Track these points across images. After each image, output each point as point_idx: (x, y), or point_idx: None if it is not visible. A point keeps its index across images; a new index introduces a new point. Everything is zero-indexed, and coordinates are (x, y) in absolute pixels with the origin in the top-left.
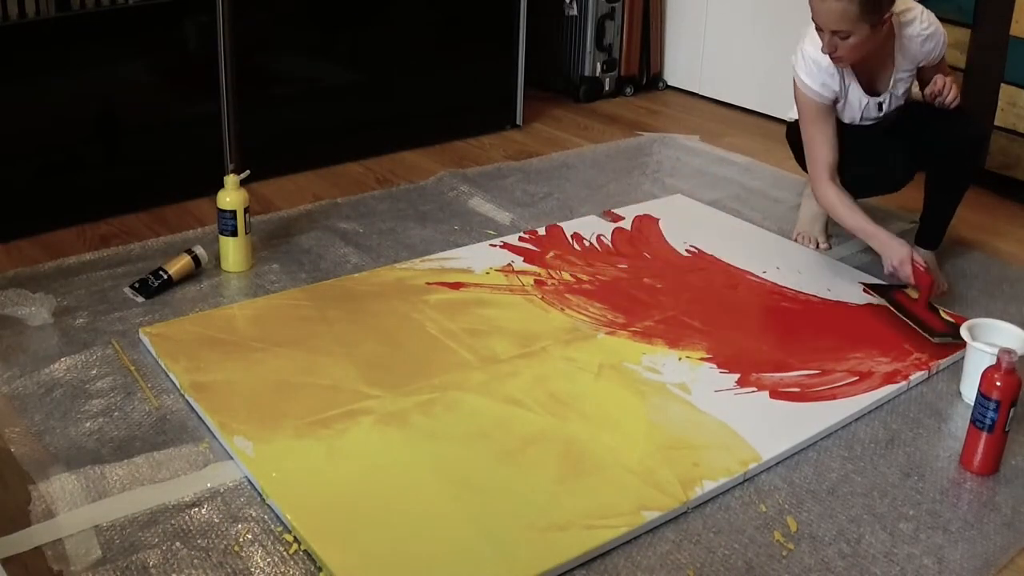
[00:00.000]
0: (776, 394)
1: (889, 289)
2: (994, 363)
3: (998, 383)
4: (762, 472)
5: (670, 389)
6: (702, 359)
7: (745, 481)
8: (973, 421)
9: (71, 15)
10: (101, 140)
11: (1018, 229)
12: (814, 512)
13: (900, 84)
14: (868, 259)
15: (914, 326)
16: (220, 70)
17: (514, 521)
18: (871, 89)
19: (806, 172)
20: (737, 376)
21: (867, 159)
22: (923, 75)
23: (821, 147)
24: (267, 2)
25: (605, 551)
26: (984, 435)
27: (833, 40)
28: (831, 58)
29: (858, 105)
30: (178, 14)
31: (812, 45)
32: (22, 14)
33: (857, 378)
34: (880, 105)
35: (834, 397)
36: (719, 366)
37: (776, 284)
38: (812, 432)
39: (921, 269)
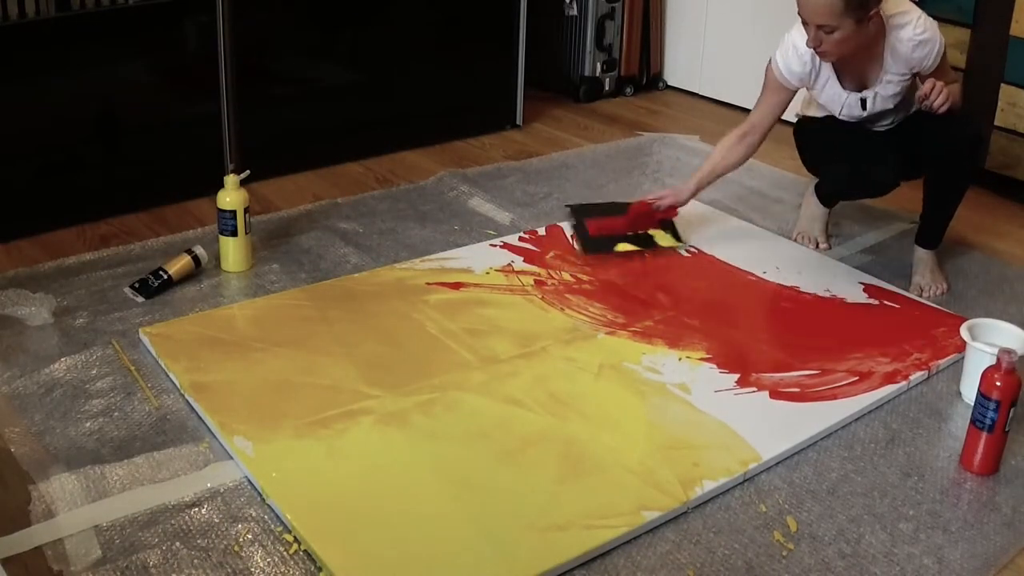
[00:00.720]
0: (776, 394)
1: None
2: (994, 363)
3: (998, 383)
4: (762, 472)
5: (670, 389)
6: (702, 359)
7: (745, 481)
8: (973, 421)
9: (71, 15)
10: (101, 140)
11: (1018, 229)
12: (814, 512)
13: (889, 85)
14: (868, 259)
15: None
16: (220, 70)
17: (514, 521)
18: (857, 86)
19: (808, 172)
20: (737, 376)
21: (853, 158)
22: (920, 80)
23: (757, 109)
24: (267, 2)
25: (605, 551)
26: (984, 435)
27: (818, 34)
28: (816, 51)
29: (837, 100)
30: (178, 14)
31: (799, 32)
32: (22, 14)
33: (857, 378)
34: (863, 102)
35: (834, 397)
36: (719, 366)
37: (776, 284)
38: (812, 432)
39: (641, 201)
